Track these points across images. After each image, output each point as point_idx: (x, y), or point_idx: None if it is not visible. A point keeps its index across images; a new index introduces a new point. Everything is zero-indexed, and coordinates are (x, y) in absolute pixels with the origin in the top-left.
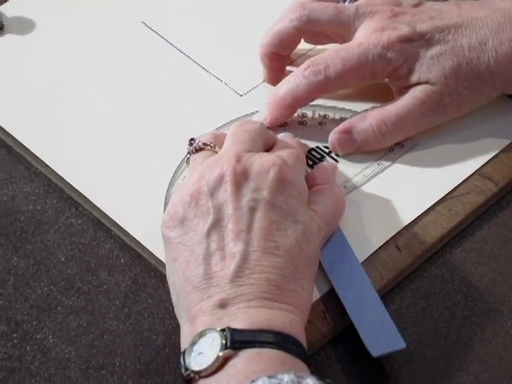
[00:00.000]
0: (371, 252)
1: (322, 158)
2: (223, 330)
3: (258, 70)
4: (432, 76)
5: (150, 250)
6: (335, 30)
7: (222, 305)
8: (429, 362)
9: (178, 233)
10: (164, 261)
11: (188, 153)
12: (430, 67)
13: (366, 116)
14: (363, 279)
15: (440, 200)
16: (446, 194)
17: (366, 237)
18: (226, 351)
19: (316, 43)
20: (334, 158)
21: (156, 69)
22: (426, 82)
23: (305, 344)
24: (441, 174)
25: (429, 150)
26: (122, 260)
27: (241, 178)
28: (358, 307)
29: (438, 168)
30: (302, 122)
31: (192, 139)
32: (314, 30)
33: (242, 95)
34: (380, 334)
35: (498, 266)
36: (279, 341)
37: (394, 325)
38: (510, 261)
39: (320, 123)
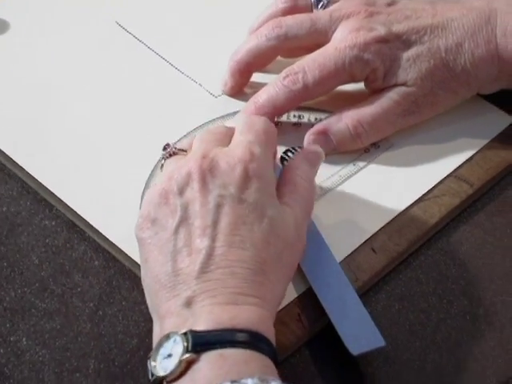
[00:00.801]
0: (347, 254)
1: None
2: (185, 334)
3: None
4: (409, 78)
5: (125, 251)
6: (313, 41)
7: (188, 303)
8: (404, 364)
9: (149, 233)
10: (139, 262)
11: (162, 158)
12: (406, 69)
13: (342, 116)
14: (341, 278)
15: (415, 202)
16: (422, 196)
17: (342, 239)
18: (188, 355)
19: (293, 57)
20: None
21: (130, 70)
22: (402, 84)
23: (273, 339)
24: (416, 175)
25: (404, 150)
26: (96, 262)
27: (207, 174)
28: (336, 306)
29: (413, 169)
30: (277, 123)
31: (167, 144)
32: (292, 46)
33: (216, 96)
34: (359, 332)
35: (473, 268)
36: (244, 339)
37: (374, 323)
38: (485, 263)
39: (295, 124)
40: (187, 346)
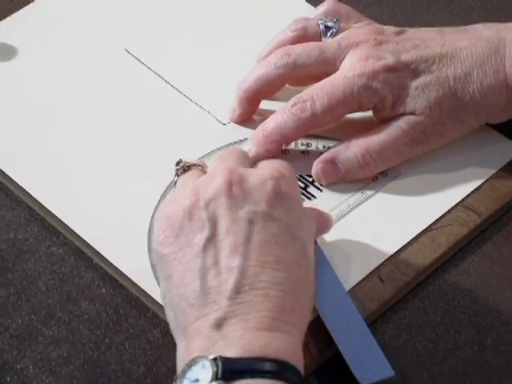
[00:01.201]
0: (354, 283)
1: (306, 188)
2: (215, 359)
3: None
4: (417, 107)
5: (132, 279)
6: (321, 69)
7: (219, 325)
8: None
9: (173, 249)
10: (146, 290)
11: (176, 174)
12: (415, 98)
13: (350, 145)
14: (350, 307)
15: (423, 231)
16: (430, 225)
17: (349, 268)
18: (217, 382)
19: (301, 85)
20: (317, 187)
21: (139, 97)
22: (411, 113)
23: (301, 367)
24: (424, 204)
25: (412, 179)
26: (103, 290)
27: (237, 189)
28: (345, 335)
29: (421, 198)
30: (285, 150)
31: (179, 160)
32: (300, 74)
33: (225, 124)
34: (368, 362)
35: (481, 298)
36: (274, 369)
37: (382, 353)
38: (492, 293)
39: (303, 152)
40: (216, 373)
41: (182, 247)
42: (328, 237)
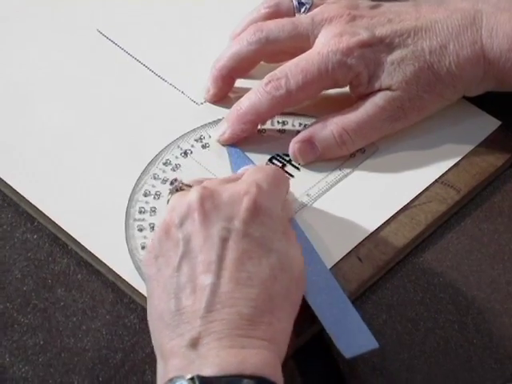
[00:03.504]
0: (333, 263)
1: (283, 167)
2: (192, 379)
3: None
4: (393, 82)
5: (108, 264)
6: (295, 44)
7: (194, 344)
8: (392, 375)
9: (153, 269)
10: (122, 275)
11: (169, 193)
12: (391, 73)
13: (327, 124)
14: (331, 282)
15: (402, 209)
16: (408, 203)
17: (328, 247)
18: None
19: (277, 62)
20: (295, 166)
21: (112, 78)
22: (387, 89)
23: (280, 381)
24: (402, 181)
25: (390, 155)
26: (79, 276)
27: (209, 205)
28: (327, 310)
29: (399, 175)
30: (261, 130)
31: (174, 179)
32: (273, 50)
33: (199, 104)
34: (352, 335)
35: (461, 276)
36: None
37: (366, 326)
38: (472, 270)
39: (279, 131)
40: None
41: (160, 267)
42: (307, 216)
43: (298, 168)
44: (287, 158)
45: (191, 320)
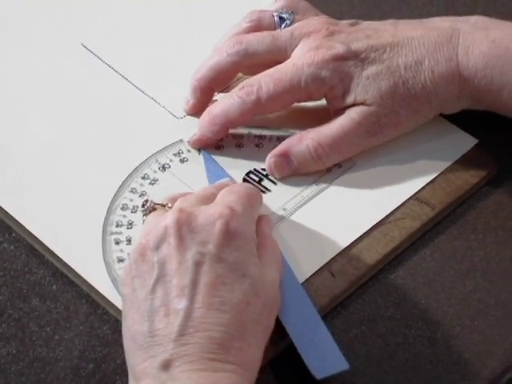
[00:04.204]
0: (305, 278)
1: (260, 181)
2: None
3: None
4: (368, 97)
5: (84, 276)
6: (273, 57)
7: (165, 366)
8: None
9: (128, 290)
10: (96, 288)
11: (143, 214)
12: (365, 87)
13: (303, 138)
14: (305, 301)
15: (376, 225)
16: (382, 219)
17: (301, 262)
18: None
19: (254, 74)
20: (272, 181)
21: (94, 92)
22: (362, 103)
23: None
24: (377, 197)
25: (366, 171)
26: (54, 287)
27: (185, 230)
28: (300, 329)
29: (374, 191)
30: (239, 144)
31: (145, 200)
32: (252, 62)
33: (179, 118)
34: (323, 355)
35: (433, 292)
36: None
37: (337, 346)
38: (444, 287)
39: (257, 145)
40: None
41: (135, 288)
42: (282, 230)
43: (274, 182)
44: (264, 173)
45: (164, 343)
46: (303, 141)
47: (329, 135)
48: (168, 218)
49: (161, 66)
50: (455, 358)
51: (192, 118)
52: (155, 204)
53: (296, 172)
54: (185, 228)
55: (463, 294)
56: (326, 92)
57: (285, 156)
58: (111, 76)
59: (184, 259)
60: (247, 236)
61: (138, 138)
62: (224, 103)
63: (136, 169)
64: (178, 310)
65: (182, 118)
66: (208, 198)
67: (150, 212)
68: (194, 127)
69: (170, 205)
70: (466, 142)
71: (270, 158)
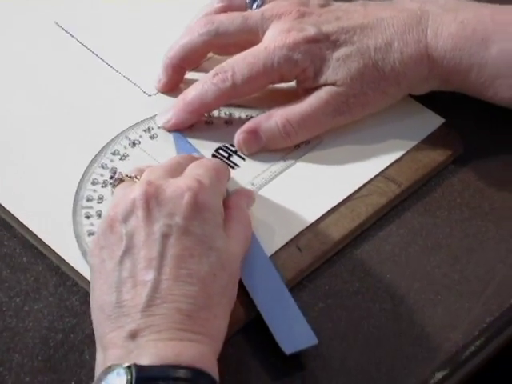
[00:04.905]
0: (272, 252)
1: (229, 157)
2: (129, 367)
3: None
4: (338, 78)
5: (53, 248)
6: (244, 38)
7: (133, 336)
8: (325, 362)
9: (96, 261)
10: (66, 259)
11: (112, 186)
12: (336, 69)
13: (272, 115)
14: (274, 277)
15: (343, 201)
16: (349, 195)
17: (268, 236)
18: None
19: (226, 54)
20: (240, 157)
21: (66, 69)
22: (333, 84)
23: (216, 375)
24: (345, 173)
25: (334, 148)
26: (25, 258)
27: (153, 202)
28: (269, 305)
29: (342, 167)
30: (209, 121)
31: (114, 172)
32: (223, 42)
33: (150, 95)
34: (292, 331)
35: (398, 267)
36: (187, 376)
37: (306, 322)
38: (409, 262)
39: (226, 122)
40: (131, 380)
41: (104, 259)
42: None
43: (243, 158)
44: (233, 149)
45: (131, 313)
46: (272, 117)
47: (297, 112)
48: (136, 191)
49: (133, 44)
50: (418, 331)
51: (163, 95)
52: (123, 176)
53: (264, 148)
54: (153, 201)
55: (427, 270)
56: (297, 74)
57: (254, 132)
58: (84, 54)
59: (152, 231)
60: (214, 209)
61: (109, 115)
62: (198, 90)
63: (107, 145)
64: (145, 282)
65: (153, 95)
66: (175, 170)
67: (119, 183)
68: (165, 105)
69: (138, 176)
70: (433, 121)
71: (239, 134)
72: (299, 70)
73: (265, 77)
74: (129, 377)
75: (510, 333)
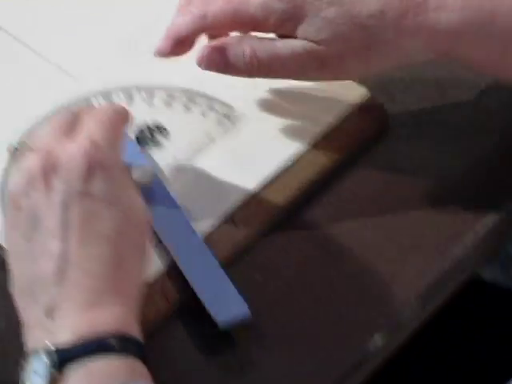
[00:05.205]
0: (207, 227)
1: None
2: (48, 349)
3: (94, 53)
4: (321, 38)
5: None
6: None
7: (49, 312)
8: (266, 334)
9: (9, 241)
10: (4, 245)
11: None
12: (320, 29)
13: (243, 42)
14: (205, 252)
15: (277, 173)
16: (280, 168)
17: (202, 212)
18: (53, 371)
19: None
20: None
21: None
22: (313, 41)
23: (138, 334)
24: (274, 147)
25: (263, 121)
26: None
27: (49, 172)
28: (201, 280)
29: (274, 140)
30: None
31: (9, 145)
32: None
33: (76, 78)
34: (226, 305)
35: (335, 234)
36: (108, 344)
37: (240, 295)
38: (343, 231)
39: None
40: (51, 362)
41: (12, 238)
42: (177, 181)
43: (167, 132)
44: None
45: (45, 288)
46: (242, 44)
47: (267, 50)
48: (30, 161)
49: (56, 26)
50: (355, 298)
51: (88, 78)
52: (16, 148)
53: (222, 71)
54: (48, 169)
55: (368, 238)
56: (276, 25)
57: (220, 52)
58: (5, 38)
59: (52, 201)
60: (113, 166)
61: (32, 99)
62: (176, 18)
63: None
64: (53, 253)
65: (78, 77)
66: (70, 125)
67: (16, 151)
68: (90, 88)
69: (30, 144)
70: (359, 95)
71: (206, 47)
72: (278, 22)
73: (237, 18)
74: (49, 359)
75: (444, 296)
